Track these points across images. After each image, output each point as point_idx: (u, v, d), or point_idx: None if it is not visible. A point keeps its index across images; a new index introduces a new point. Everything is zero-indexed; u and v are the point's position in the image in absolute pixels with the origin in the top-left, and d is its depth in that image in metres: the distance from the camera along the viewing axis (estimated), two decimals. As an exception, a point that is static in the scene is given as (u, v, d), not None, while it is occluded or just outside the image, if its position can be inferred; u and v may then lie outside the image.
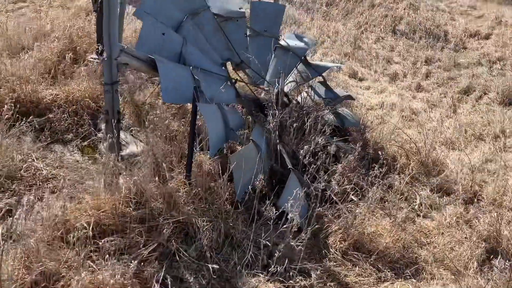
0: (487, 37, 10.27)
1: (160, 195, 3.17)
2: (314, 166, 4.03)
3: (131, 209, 3.02)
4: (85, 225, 2.72)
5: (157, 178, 3.22)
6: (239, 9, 4.87)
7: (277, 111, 4.34)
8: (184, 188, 3.37)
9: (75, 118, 4.38)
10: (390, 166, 4.77)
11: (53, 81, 4.83)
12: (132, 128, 4.21)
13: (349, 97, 5.68)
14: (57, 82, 4.76)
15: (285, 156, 3.95)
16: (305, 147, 4.05)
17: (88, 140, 4.19)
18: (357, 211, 3.64)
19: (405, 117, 6.85)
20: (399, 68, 8.95)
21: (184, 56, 3.96)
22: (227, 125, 3.61)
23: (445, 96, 7.83)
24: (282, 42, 5.26)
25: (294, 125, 4.26)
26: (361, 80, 8.46)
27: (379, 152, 4.67)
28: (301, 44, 5.27)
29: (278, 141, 4.17)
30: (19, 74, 4.58)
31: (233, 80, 4.31)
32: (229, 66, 4.87)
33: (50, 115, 4.37)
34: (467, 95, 7.89)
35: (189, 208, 3.21)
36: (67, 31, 5.79)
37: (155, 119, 3.67)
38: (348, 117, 5.55)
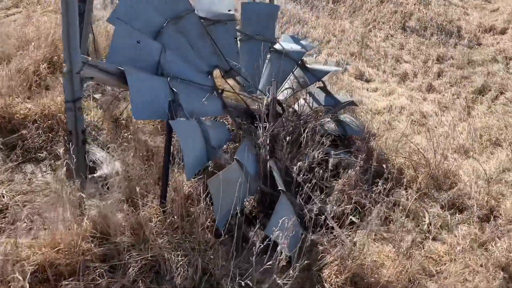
0: (503, 32, 9.70)
1: (128, 226, 2.80)
2: (309, 185, 3.63)
3: (92, 245, 2.65)
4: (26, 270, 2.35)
5: (125, 206, 2.85)
6: (228, 11, 4.48)
7: (267, 124, 3.94)
8: (157, 217, 2.99)
9: (50, 135, 4.03)
10: (396, 180, 4.34)
11: (30, 94, 4.49)
12: (109, 145, 3.84)
13: (352, 103, 5.25)
14: (33, 95, 4.42)
15: (275, 175, 3.54)
16: (299, 163, 3.65)
17: (62, 159, 3.83)
18: (355, 239, 3.21)
19: (415, 121, 6.38)
20: (409, 68, 8.46)
21: (162, 65, 3.58)
22: (208, 143, 3.22)
23: (458, 97, 7.34)
24: (277, 46, 4.85)
25: (287, 138, 3.85)
26: (368, 81, 8.00)
27: (384, 165, 4.25)
28: (298, 47, 4.86)
29: (268, 157, 3.76)
30: (-8, 87, 4.26)
31: (220, 90, 3.92)
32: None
33: (24, 132, 4.03)
34: (482, 95, 7.39)
35: (162, 240, 2.83)
36: (50, 38, 5.46)
37: (129, 136, 3.30)
38: (351, 125, 5.13)
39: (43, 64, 4.64)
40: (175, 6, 4.07)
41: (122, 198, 3.11)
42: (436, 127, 6.23)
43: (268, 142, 3.82)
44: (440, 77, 8.19)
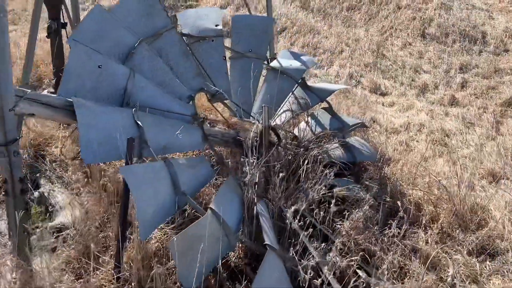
0: (533, 36, 8.93)
1: (70, 301, 2.25)
2: (306, 233, 3.02)
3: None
4: None
5: (67, 276, 2.29)
6: (215, 26, 3.93)
7: (260, 156, 3.37)
8: (111, 284, 2.43)
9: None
10: (413, 217, 3.70)
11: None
12: (73, 186, 3.31)
13: (362, 125, 4.61)
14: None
15: (263, 224, 2.94)
16: (293, 207, 3.05)
17: (23, 201, 3.32)
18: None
19: (436, 141, 5.69)
20: (429, 78, 7.78)
21: (129, 93, 3.04)
22: (177, 188, 2.65)
23: (484, 111, 6.62)
24: (273, 63, 4.27)
25: (281, 174, 3.26)
26: (384, 94, 7.34)
27: (398, 202, 3.62)
28: (298, 64, 4.27)
29: (258, 198, 3.17)
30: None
31: (201, 118, 3.36)
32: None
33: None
34: (512, 108, 6.67)
35: (112, 317, 2.27)
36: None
37: (85, 179, 2.76)
38: (362, 149, 4.49)
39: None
40: (151, 22, 3.56)
41: (73, 257, 2.57)
42: (460, 148, 5.54)
43: (257, 179, 3.24)
44: (464, 88, 7.49)
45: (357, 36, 9.34)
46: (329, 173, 3.60)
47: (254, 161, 3.16)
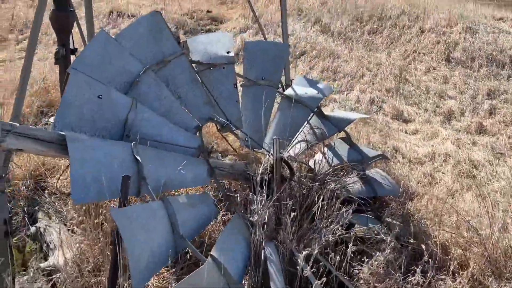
0: None
1: None
2: (319, 282, 2.73)
3: None
4: None
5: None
6: (227, 53, 3.74)
7: (271, 193, 3.11)
8: None
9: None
10: (440, 261, 3.36)
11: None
12: (72, 221, 3.11)
13: (383, 157, 4.31)
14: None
15: (271, 269, 2.66)
16: (304, 252, 2.77)
17: (19, 236, 3.15)
18: None
19: (463, 172, 5.33)
20: (454, 105, 7.43)
21: (131, 124, 2.85)
22: (176, 231, 2.41)
23: (515, 140, 6.22)
24: (288, 91, 4.04)
25: (292, 214, 2.99)
26: (407, 121, 7.02)
27: (423, 245, 3.29)
28: (314, 92, 4.03)
29: (267, 239, 2.91)
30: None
31: (208, 150, 3.13)
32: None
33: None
34: (546, 137, 6.26)
35: None
36: (41, 83, 4.95)
37: (74, 215, 2.55)
38: (384, 183, 4.19)
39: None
40: (159, 49, 3.39)
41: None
42: (490, 181, 5.16)
43: (266, 219, 2.97)
44: (492, 115, 7.11)
45: (378, 60, 9.08)
46: (347, 210, 3.33)
47: (262, 199, 2.90)
